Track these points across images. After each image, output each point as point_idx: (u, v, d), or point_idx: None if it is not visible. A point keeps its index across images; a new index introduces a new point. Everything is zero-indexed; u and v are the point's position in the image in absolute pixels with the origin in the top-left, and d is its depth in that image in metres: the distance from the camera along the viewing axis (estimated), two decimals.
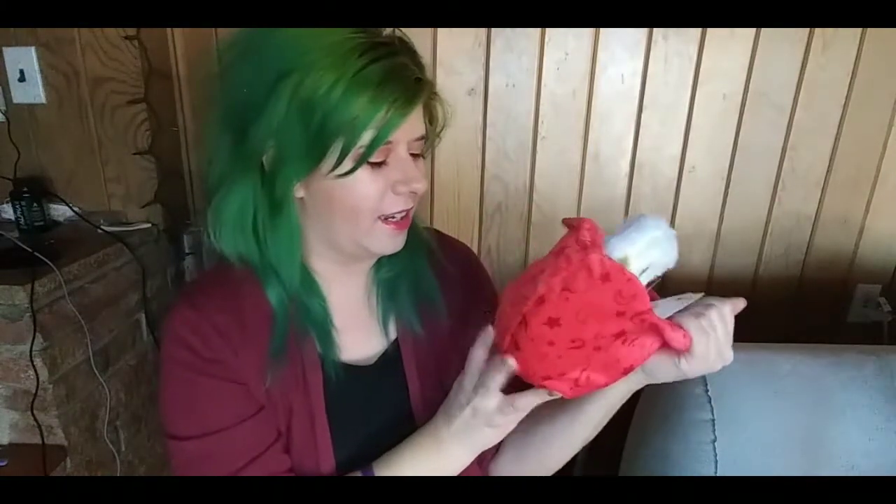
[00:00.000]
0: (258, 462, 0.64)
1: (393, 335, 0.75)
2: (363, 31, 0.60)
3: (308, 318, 0.68)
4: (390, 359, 0.73)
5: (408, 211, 0.66)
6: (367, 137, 0.59)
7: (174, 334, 0.65)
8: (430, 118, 0.68)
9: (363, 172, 0.61)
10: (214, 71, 0.69)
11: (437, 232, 0.83)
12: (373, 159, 0.61)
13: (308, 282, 0.69)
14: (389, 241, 0.66)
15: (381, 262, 0.74)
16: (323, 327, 0.69)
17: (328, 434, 0.67)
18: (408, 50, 0.63)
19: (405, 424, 0.70)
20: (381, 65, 0.58)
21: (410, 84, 0.60)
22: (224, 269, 0.68)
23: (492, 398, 0.60)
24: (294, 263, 0.67)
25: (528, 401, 0.59)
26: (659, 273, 0.58)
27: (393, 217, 0.64)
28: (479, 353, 0.61)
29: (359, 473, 0.65)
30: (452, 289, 0.77)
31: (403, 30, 0.66)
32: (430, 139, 0.69)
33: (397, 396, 0.72)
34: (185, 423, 0.65)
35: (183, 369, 0.65)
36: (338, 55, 0.58)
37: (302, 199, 0.65)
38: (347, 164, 0.60)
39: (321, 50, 0.58)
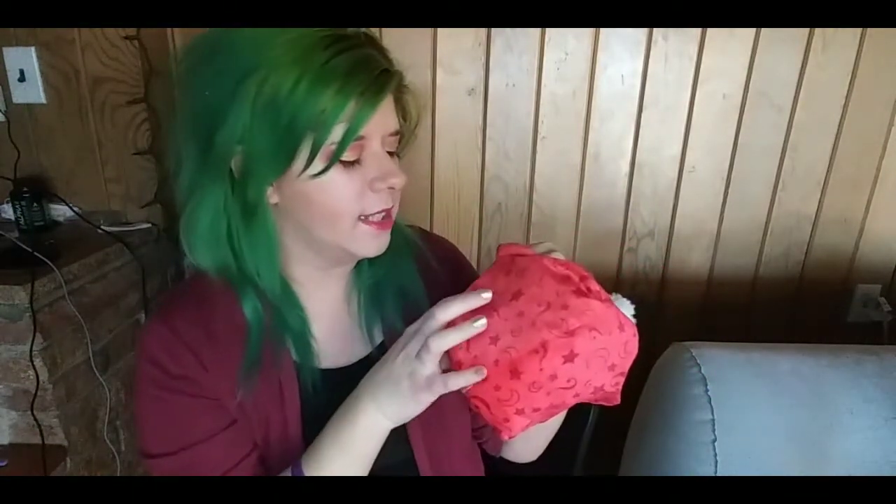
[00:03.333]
0: (232, 474, 0.64)
1: (379, 339, 0.73)
2: (326, 28, 0.59)
3: (285, 328, 0.66)
4: (374, 363, 0.70)
5: (388, 210, 0.63)
6: (337, 133, 0.57)
7: (144, 351, 0.65)
8: (404, 114, 0.66)
9: (337, 172, 0.59)
10: (175, 76, 0.68)
11: (421, 230, 0.81)
12: (346, 157, 0.58)
13: (286, 292, 0.67)
14: (373, 243, 0.64)
15: (363, 266, 0.72)
16: (301, 337, 0.67)
17: (301, 443, 0.66)
18: (373, 43, 0.61)
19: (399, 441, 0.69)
20: (346, 56, 0.56)
21: (378, 74, 0.58)
22: (199, 281, 0.67)
23: (430, 366, 0.57)
24: (273, 272, 0.65)
25: (458, 382, 0.57)
26: None
27: (374, 217, 0.62)
28: (434, 324, 0.58)
29: (288, 472, 0.63)
30: (438, 288, 0.72)
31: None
32: (405, 137, 0.67)
33: None
34: (158, 441, 0.65)
35: (152, 387, 0.64)
36: (300, 50, 0.56)
37: (277, 204, 0.63)
38: (319, 164, 0.58)
39: (283, 46, 0.56)
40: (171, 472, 0.64)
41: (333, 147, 0.57)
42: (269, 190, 0.61)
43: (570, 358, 0.54)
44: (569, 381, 0.55)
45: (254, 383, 0.64)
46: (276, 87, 0.55)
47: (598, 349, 0.55)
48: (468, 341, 0.58)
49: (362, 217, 0.62)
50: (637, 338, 0.56)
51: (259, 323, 0.65)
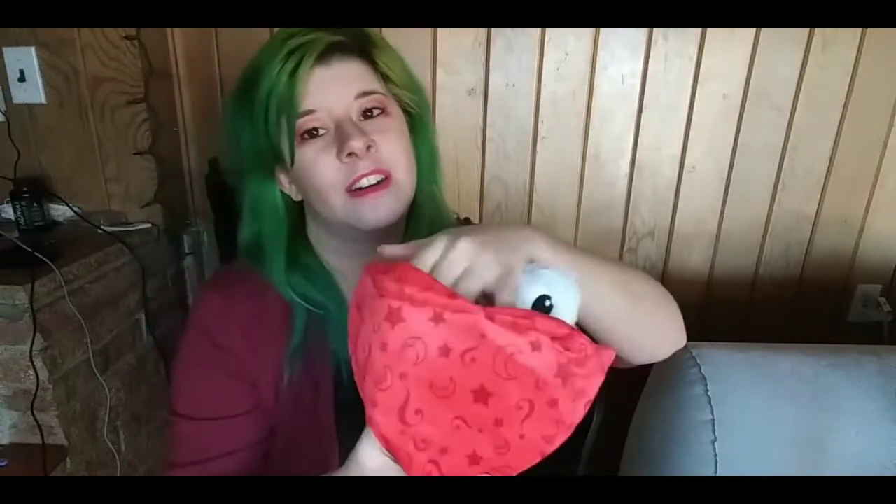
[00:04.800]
0: (235, 457, 0.65)
1: None
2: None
3: (326, 314, 0.68)
4: None
5: (375, 172, 0.62)
6: (284, 117, 0.61)
7: (196, 317, 0.68)
8: (385, 77, 0.67)
9: (308, 152, 0.62)
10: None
11: (469, 221, 0.82)
12: (304, 129, 0.62)
13: (326, 279, 0.70)
14: (371, 213, 0.63)
15: None
16: (339, 324, 0.67)
17: (334, 429, 0.67)
18: (335, 29, 0.63)
19: None
20: (287, 45, 0.61)
21: (301, 49, 0.61)
22: (239, 267, 0.71)
23: None
24: (279, 264, 0.68)
25: None
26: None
27: (360, 186, 0.62)
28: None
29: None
30: None
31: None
32: (403, 98, 0.68)
33: None
34: (185, 403, 0.67)
35: (196, 353, 0.67)
36: (267, 52, 0.63)
37: (302, 200, 0.68)
38: (286, 149, 0.62)
39: (260, 53, 0.63)
40: (188, 435, 0.67)
41: (286, 128, 0.62)
42: (293, 189, 0.68)
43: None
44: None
45: (298, 368, 0.66)
46: (243, 89, 0.64)
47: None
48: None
49: (350, 189, 0.62)
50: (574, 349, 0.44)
51: (302, 310, 0.67)
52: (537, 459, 0.48)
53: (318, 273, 0.70)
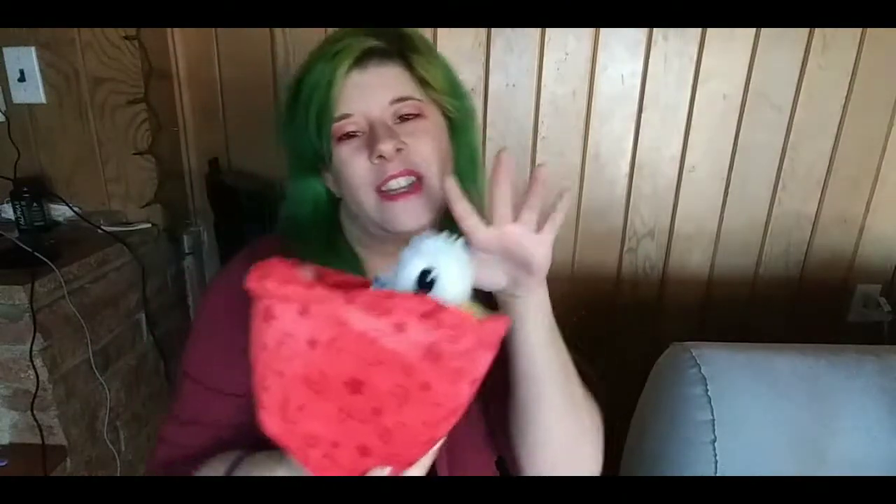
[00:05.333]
0: (234, 430, 0.67)
1: None
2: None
3: None
4: None
5: (405, 173, 0.63)
6: (323, 118, 0.63)
7: (206, 308, 0.71)
8: (423, 81, 0.67)
9: (342, 152, 0.64)
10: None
11: None
12: (342, 132, 0.64)
13: (356, 271, 0.71)
14: (400, 217, 0.64)
15: None
16: None
17: None
18: (376, 32, 0.65)
19: None
20: (332, 48, 0.63)
21: (339, 56, 0.62)
22: (267, 245, 0.70)
23: None
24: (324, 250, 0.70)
25: None
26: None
27: (389, 188, 0.63)
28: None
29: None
30: None
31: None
32: (442, 102, 0.68)
33: None
34: (196, 366, 0.70)
35: (212, 320, 0.69)
36: (317, 53, 0.65)
37: (343, 198, 0.70)
38: (326, 148, 0.64)
39: (307, 61, 0.65)
40: (193, 396, 0.69)
41: (327, 128, 0.64)
42: (329, 181, 0.70)
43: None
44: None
45: None
46: (291, 92, 0.67)
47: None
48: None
49: (380, 191, 0.64)
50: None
51: None
52: (428, 447, 0.47)
53: (348, 261, 0.72)
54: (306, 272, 0.48)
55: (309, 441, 0.46)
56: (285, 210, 0.73)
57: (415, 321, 0.40)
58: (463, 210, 0.54)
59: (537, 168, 0.54)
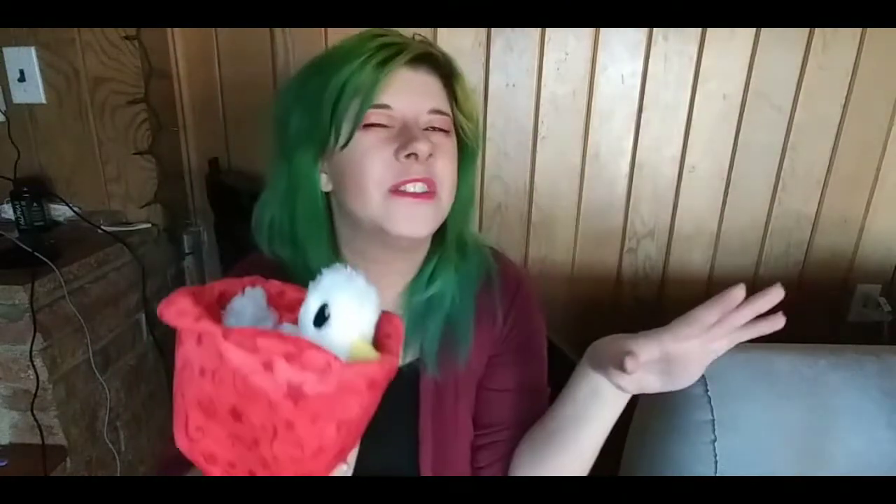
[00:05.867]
0: None
1: (411, 357, 0.73)
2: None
3: None
4: (406, 376, 0.71)
5: (425, 181, 0.63)
6: (356, 103, 0.61)
7: None
8: (457, 102, 0.68)
9: (366, 139, 0.62)
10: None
11: (497, 253, 0.80)
12: (370, 121, 0.62)
13: None
14: (407, 220, 0.63)
15: (418, 284, 0.72)
16: None
17: None
18: (424, 42, 0.66)
19: (406, 442, 0.70)
20: (380, 40, 0.62)
21: (391, 45, 0.62)
22: (259, 260, 0.71)
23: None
24: (322, 254, 0.68)
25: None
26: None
27: (407, 188, 0.62)
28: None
29: None
30: (489, 315, 0.74)
31: (403, 30, 0.66)
32: (466, 127, 0.69)
33: (406, 415, 0.72)
34: None
35: None
36: (349, 44, 0.63)
37: (331, 192, 0.68)
38: (346, 131, 0.62)
39: (341, 49, 0.63)
40: None
41: (355, 115, 0.62)
42: (323, 178, 0.67)
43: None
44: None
45: None
46: (311, 72, 0.65)
47: None
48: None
49: (395, 189, 0.62)
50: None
51: None
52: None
53: None
54: (259, 288, 0.51)
55: (209, 459, 0.48)
56: (277, 212, 0.69)
57: (281, 361, 0.40)
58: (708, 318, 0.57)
59: (736, 289, 0.57)
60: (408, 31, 0.67)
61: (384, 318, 0.48)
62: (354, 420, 0.43)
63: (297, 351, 0.40)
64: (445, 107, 0.66)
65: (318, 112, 0.62)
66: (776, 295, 0.57)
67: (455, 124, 0.68)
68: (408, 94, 0.63)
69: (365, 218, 0.64)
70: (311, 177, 0.66)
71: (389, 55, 0.61)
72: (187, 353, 0.44)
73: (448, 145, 0.66)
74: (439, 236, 0.71)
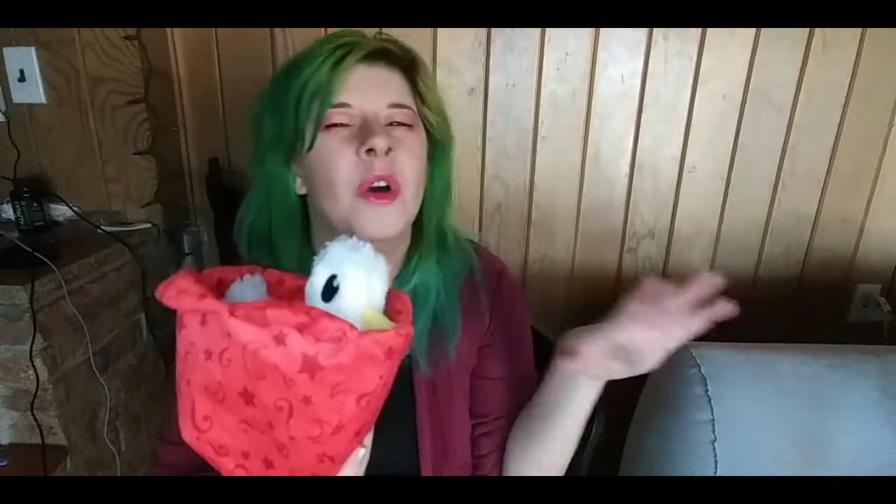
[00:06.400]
0: None
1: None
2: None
3: None
4: (400, 373, 0.72)
5: (386, 177, 0.63)
6: (317, 103, 0.62)
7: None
8: (421, 96, 0.68)
9: (329, 140, 0.63)
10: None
11: (478, 247, 0.81)
12: (331, 121, 0.63)
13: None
14: (373, 219, 0.63)
15: (401, 280, 0.72)
16: None
17: None
18: (386, 39, 0.66)
19: (405, 439, 0.71)
20: (337, 40, 0.63)
21: (346, 44, 0.63)
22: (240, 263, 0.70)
23: None
24: (292, 257, 0.68)
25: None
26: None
27: (371, 187, 0.62)
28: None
29: None
30: (475, 308, 0.75)
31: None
32: (432, 121, 0.69)
33: (403, 412, 0.72)
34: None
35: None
36: (309, 49, 0.64)
37: (305, 195, 0.68)
38: (309, 133, 0.63)
39: (306, 51, 0.64)
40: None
41: (317, 116, 0.62)
42: (297, 181, 0.68)
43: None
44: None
45: None
46: (278, 78, 0.66)
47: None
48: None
49: (361, 189, 0.63)
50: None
51: None
52: (321, 464, 0.44)
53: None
54: (257, 276, 0.50)
55: (219, 450, 0.45)
56: (254, 217, 0.70)
57: (293, 333, 0.38)
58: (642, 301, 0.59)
59: (647, 279, 0.59)
60: (403, 32, 0.67)
61: (392, 295, 0.46)
62: (374, 392, 0.41)
63: (309, 321, 0.38)
64: (407, 100, 0.67)
65: (283, 116, 0.64)
66: (708, 280, 0.57)
67: (421, 118, 0.68)
68: (365, 90, 0.64)
69: (336, 218, 0.65)
70: (283, 180, 0.68)
71: (344, 54, 0.62)
72: (190, 335, 0.42)
73: (411, 139, 0.66)
74: (418, 231, 0.71)
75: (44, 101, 1.26)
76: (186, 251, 1.47)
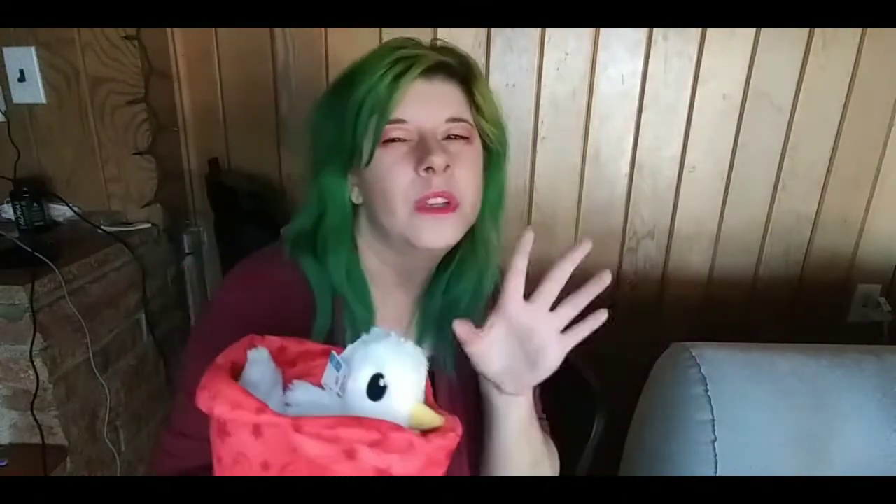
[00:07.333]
0: None
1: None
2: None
3: (352, 320, 0.68)
4: None
5: (445, 195, 0.63)
6: (374, 118, 0.62)
7: (209, 322, 0.69)
8: (477, 107, 0.68)
9: (386, 156, 0.63)
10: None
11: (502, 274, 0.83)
12: (389, 136, 0.63)
13: (360, 286, 0.70)
14: (430, 233, 0.64)
15: (437, 285, 0.73)
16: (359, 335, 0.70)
17: None
18: (442, 49, 0.66)
19: None
20: (395, 53, 0.62)
21: (404, 59, 0.62)
22: (275, 257, 0.70)
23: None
24: (340, 263, 0.69)
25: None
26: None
27: (428, 203, 0.63)
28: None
29: None
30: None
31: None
32: (490, 132, 0.69)
33: None
34: (191, 379, 0.68)
35: (212, 337, 0.67)
36: (368, 59, 0.64)
37: (361, 204, 0.69)
38: (367, 149, 0.63)
39: (364, 62, 0.64)
40: (190, 414, 0.64)
41: (375, 131, 0.63)
42: (355, 191, 0.69)
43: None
44: None
45: None
46: (336, 90, 0.66)
47: None
48: None
49: (419, 204, 0.63)
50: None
51: (326, 312, 0.68)
52: None
53: (356, 279, 0.70)
54: (263, 349, 0.49)
55: None
56: (306, 219, 0.70)
57: (365, 448, 0.40)
58: (521, 267, 0.61)
59: (601, 273, 0.62)
60: (419, 32, 0.67)
61: None
62: None
63: (381, 438, 0.40)
64: (464, 113, 0.67)
65: (341, 130, 0.64)
66: (606, 278, 0.62)
67: (478, 129, 0.68)
68: (423, 105, 0.64)
69: (393, 231, 0.66)
70: (340, 190, 0.68)
71: (403, 69, 0.62)
72: (240, 446, 0.42)
73: (469, 152, 0.66)
74: (465, 244, 0.72)
75: (44, 101, 1.26)
76: (186, 251, 1.47)
